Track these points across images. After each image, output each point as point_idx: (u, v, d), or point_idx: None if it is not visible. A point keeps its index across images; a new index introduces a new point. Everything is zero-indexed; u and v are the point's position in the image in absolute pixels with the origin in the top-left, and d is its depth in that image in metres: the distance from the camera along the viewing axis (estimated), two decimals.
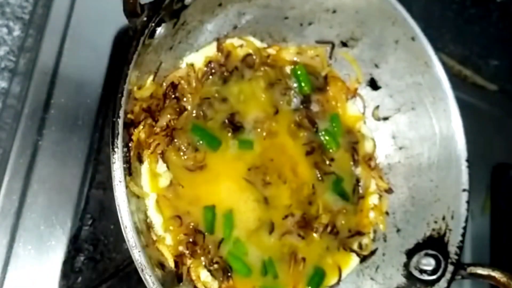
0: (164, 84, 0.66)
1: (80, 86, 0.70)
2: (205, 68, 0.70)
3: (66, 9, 0.72)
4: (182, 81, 0.67)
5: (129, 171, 0.59)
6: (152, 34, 0.58)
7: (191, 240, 0.62)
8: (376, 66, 0.77)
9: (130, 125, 0.61)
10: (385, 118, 0.78)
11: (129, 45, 0.54)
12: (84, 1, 0.73)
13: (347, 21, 0.75)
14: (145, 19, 0.55)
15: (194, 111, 0.67)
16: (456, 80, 1.05)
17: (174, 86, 0.67)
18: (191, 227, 0.63)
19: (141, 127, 0.62)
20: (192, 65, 0.69)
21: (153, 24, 0.56)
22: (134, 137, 0.61)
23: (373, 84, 0.78)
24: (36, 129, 0.67)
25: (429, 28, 0.75)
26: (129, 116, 0.61)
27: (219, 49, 0.71)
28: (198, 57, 0.70)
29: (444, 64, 0.72)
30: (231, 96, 0.70)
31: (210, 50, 0.71)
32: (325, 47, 0.77)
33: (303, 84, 0.75)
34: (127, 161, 0.59)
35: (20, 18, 0.73)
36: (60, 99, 0.69)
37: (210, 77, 0.70)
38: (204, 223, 0.64)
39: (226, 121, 0.68)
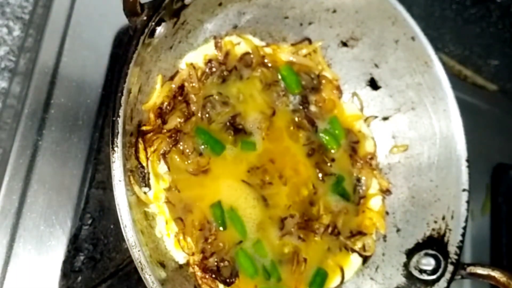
0: (174, 86, 0.66)
1: (80, 86, 0.70)
2: (205, 67, 0.70)
3: (66, 9, 0.71)
4: (186, 83, 0.67)
5: (147, 182, 0.61)
6: (152, 33, 0.58)
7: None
8: (376, 66, 0.77)
9: (147, 133, 0.62)
10: (385, 118, 0.78)
11: (129, 44, 0.55)
12: (84, 1, 0.73)
13: (347, 21, 0.75)
14: (145, 18, 0.55)
15: (199, 113, 0.67)
16: (456, 80, 1.05)
17: (180, 87, 0.67)
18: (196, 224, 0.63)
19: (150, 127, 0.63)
20: (191, 64, 0.69)
21: (153, 24, 0.56)
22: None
23: (373, 84, 0.78)
24: (36, 129, 0.67)
25: (429, 28, 0.75)
26: (145, 127, 0.62)
27: (217, 46, 0.71)
28: (197, 56, 0.70)
29: (444, 64, 0.73)
30: (231, 96, 0.70)
31: (209, 49, 0.71)
32: (318, 44, 0.77)
33: (289, 84, 0.75)
34: (143, 173, 0.61)
35: (20, 18, 0.73)
36: (60, 99, 0.69)
37: (210, 76, 0.70)
38: (215, 220, 0.64)
39: (228, 123, 0.68)
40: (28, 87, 0.68)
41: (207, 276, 0.62)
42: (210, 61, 0.70)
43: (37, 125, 0.67)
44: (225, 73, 0.70)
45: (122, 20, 0.55)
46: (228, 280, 0.63)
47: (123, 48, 0.56)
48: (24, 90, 0.68)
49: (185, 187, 0.64)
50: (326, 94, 0.77)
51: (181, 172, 0.64)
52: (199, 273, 0.62)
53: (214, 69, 0.70)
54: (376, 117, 0.78)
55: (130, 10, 0.54)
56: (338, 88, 0.79)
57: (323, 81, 0.78)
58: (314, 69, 0.77)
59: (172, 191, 0.63)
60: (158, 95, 0.65)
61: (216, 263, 0.63)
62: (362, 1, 0.72)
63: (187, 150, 0.65)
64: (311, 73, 0.77)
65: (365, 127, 0.78)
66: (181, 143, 0.65)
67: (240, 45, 0.73)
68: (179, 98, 0.67)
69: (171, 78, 0.67)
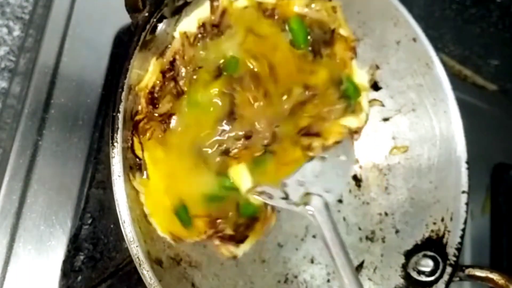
0: (165, 60, 0.63)
1: (80, 86, 0.70)
2: (197, 31, 0.65)
3: (66, 9, 0.71)
4: (177, 56, 0.64)
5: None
6: (153, 29, 0.58)
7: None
8: (377, 66, 0.77)
9: (140, 121, 0.61)
10: (386, 119, 0.78)
11: (130, 41, 0.55)
12: (84, 1, 0.73)
13: (348, 21, 0.75)
14: (146, 14, 0.55)
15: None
16: (456, 80, 1.05)
17: (170, 63, 0.64)
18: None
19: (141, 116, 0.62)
20: (185, 33, 0.64)
21: (154, 20, 0.56)
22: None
23: (374, 85, 0.78)
24: (36, 129, 0.67)
25: (429, 28, 0.75)
26: (138, 117, 0.61)
27: (212, 9, 0.66)
28: (191, 22, 0.65)
29: (444, 64, 0.72)
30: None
31: (204, 12, 0.66)
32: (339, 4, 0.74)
33: (297, 38, 0.70)
34: (139, 166, 0.61)
35: (20, 18, 0.73)
36: (60, 99, 0.69)
37: (201, 40, 0.65)
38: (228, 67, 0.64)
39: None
40: (28, 87, 0.68)
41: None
42: (203, 24, 0.65)
43: (37, 125, 0.67)
44: (218, 34, 0.66)
45: (122, 20, 0.56)
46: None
47: (124, 48, 0.55)
48: (24, 90, 0.68)
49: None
50: (338, 52, 0.74)
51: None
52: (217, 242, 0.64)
53: (206, 34, 0.65)
54: (381, 102, 0.78)
55: (131, 6, 0.54)
56: (352, 49, 0.76)
57: (337, 37, 0.74)
58: (329, 24, 0.73)
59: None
60: (150, 76, 0.62)
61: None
62: (364, 1, 0.72)
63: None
64: (325, 27, 0.73)
65: (365, 101, 0.77)
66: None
67: (238, 0, 0.68)
68: (169, 74, 0.63)
69: (162, 53, 0.63)
